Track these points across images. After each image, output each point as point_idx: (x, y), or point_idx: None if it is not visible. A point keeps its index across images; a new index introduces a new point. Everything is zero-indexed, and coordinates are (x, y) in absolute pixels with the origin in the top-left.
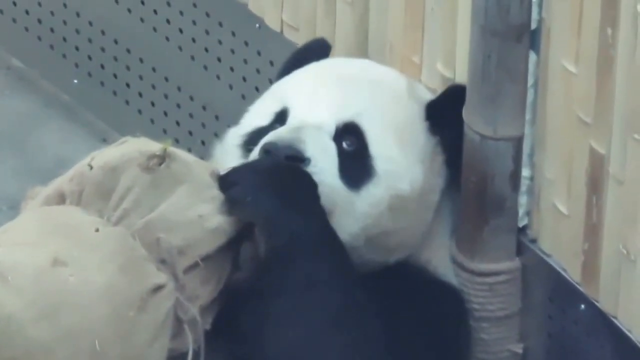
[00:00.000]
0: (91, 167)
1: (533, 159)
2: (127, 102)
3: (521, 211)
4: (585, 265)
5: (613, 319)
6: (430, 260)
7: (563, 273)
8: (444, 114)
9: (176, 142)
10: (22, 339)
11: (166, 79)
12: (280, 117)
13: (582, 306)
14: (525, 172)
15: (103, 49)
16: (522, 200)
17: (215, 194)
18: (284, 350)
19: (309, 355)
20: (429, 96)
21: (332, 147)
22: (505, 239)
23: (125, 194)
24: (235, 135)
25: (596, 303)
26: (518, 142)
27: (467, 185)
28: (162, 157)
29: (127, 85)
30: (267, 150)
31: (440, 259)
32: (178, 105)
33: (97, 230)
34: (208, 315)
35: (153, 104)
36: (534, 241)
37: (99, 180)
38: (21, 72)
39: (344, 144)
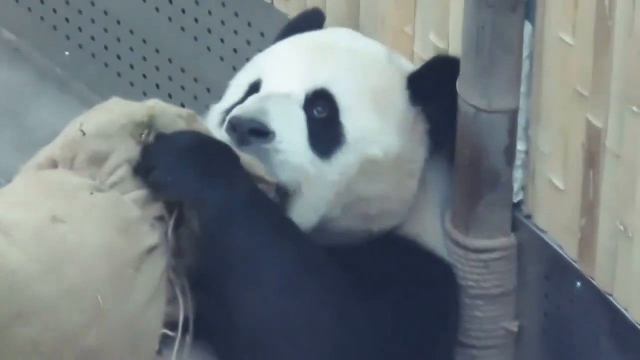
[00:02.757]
0: (84, 133)
1: (528, 132)
2: (119, 75)
3: (516, 186)
4: (582, 242)
5: (609, 297)
6: (421, 234)
7: (559, 250)
8: (427, 84)
9: None
10: (28, 294)
11: (157, 51)
12: (254, 89)
13: (578, 284)
14: (520, 146)
15: (93, 21)
16: (517, 175)
17: None
18: (252, 327)
19: (277, 326)
20: (410, 67)
21: (300, 117)
22: (500, 215)
23: (121, 163)
24: (214, 113)
25: (592, 281)
26: (513, 115)
27: (461, 160)
28: (149, 124)
29: (118, 57)
30: (232, 126)
31: (431, 233)
32: (170, 78)
33: (92, 193)
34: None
35: (145, 76)
36: (529, 217)
37: (94, 148)
38: (13, 44)
39: (315, 112)
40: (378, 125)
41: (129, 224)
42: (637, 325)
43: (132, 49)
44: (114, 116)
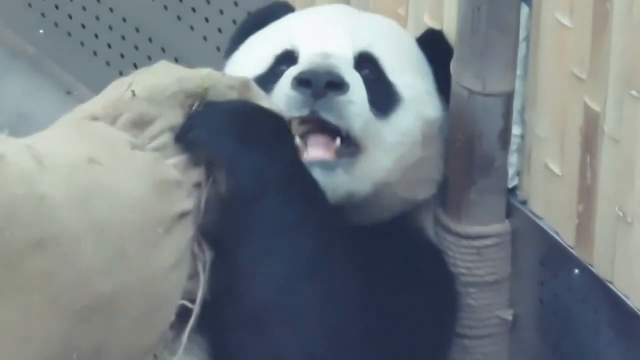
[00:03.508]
0: (134, 94)
1: (524, 116)
2: (95, 54)
3: (511, 171)
4: (579, 228)
5: (608, 284)
6: (423, 221)
7: (555, 236)
8: (431, 48)
9: None
10: (52, 222)
11: (137, 30)
12: (286, 58)
13: (576, 271)
14: (515, 130)
15: None
16: (512, 159)
17: None
18: (256, 301)
19: (281, 306)
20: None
21: (358, 76)
22: (494, 201)
23: (164, 129)
24: None
25: (590, 268)
26: (508, 98)
27: (454, 144)
28: (201, 95)
29: (96, 36)
30: (305, 80)
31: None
32: (149, 57)
33: (132, 148)
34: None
35: (122, 56)
36: (524, 203)
37: (141, 110)
38: None
39: (363, 73)
40: (423, 85)
41: (166, 184)
42: (638, 312)
43: (110, 28)
44: (167, 82)
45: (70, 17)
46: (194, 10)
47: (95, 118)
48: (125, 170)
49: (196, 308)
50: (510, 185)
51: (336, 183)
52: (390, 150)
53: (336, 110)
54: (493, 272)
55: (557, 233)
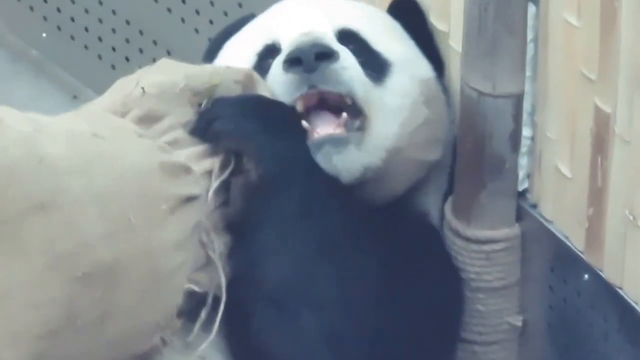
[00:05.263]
0: (144, 91)
1: (534, 117)
2: (99, 57)
3: (521, 174)
4: (589, 232)
5: (618, 290)
6: (428, 204)
7: (565, 240)
8: (402, 17)
9: None
10: (53, 184)
11: (141, 32)
12: (269, 52)
13: (586, 276)
14: (525, 132)
15: (73, 1)
16: (523, 162)
17: None
18: (279, 283)
19: (304, 287)
20: None
21: (345, 48)
22: (503, 204)
23: (174, 126)
24: None
25: (600, 273)
26: (518, 99)
27: (464, 146)
28: (209, 93)
29: (99, 39)
30: (294, 59)
31: (434, 205)
32: (154, 60)
33: (139, 136)
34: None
35: (127, 59)
36: (534, 206)
37: (151, 106)
38: None
39: (348, 48)
40: (408, 50)
41: (171, 166)
42: None
43: (114, 30)
44: (176, 78)
45: (72, 20)
46: (197, 12)
47: None
48: (129, 147)
49: (222, 300)
50: (520, 188)
51: (350, 160)
52: (394, 114)
53: (333, 79)
54: (502, 277)
55: (566, 237)
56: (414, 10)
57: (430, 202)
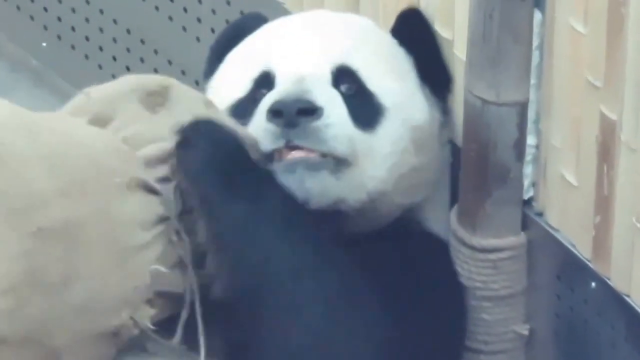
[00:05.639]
0: (89, 97)
1: (539, 125)
2: (100, 67)
3: (526, 182)
4: (596, 240)
5: (625, 298)
6: (430, 218)
7: (572, 249)
8: (408, 38)
9: None
10: None
11: (142, 42)
12: (264, 81)
13: (593, 284)
14: (530, 140)
15: (74, 10)
16: (528, 170)
17: None
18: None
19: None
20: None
21: (336, 94)
22: (509, 213)
23: (128, 123)
24: None
25: (607, 281)
26: (522, 107)
27: (468, 154)
28: (162, 94)
29: (100, 48)
30: (276, 111)
31: (438, 217)
32: (155, 70)
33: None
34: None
35: (128, 69)
36: (540, 214)
37: (98, 110)
38: None
39: (342, 89)
40: (404, 89)
41: (126, 151)
42: None
43: (115, 40)
44: (123, 84)
45: (73, 29)
46: (199, 20)
47: None
48: (80, 127)
49: (196, 301)
50: (525, 197)
51: (325, 185)
52: (383, 160)
53: (313, 136)
54: (508, 285)
55: (573, 245)
56: (421, 22)
57: (435, 218)
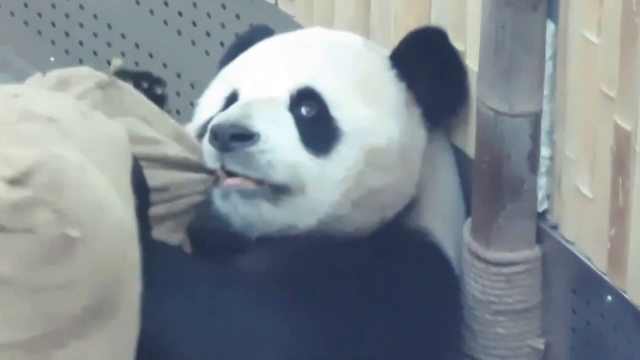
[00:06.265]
0: (44, 74)
1: (553, 137)
2: None
3: (540, 194)
4: (612, 252)
5: None
6: (431, 228)
7: (587, 262)
8: (409, 59)
9: None
10: None
11: (150, 55)
12: (231, 101)
13: (609, 298)
14: (544, 152)
15: (81, 25)
16: (542, 182)
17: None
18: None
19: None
20: (387, 51)
21: (287, 118)
22: (523, 225)
23: (90, 88)
24: (190, 132)
25: (624, 294)
26: (536, 118)
27: (481, 166)
28: (114, 82)
29: (108, 62)
30: (214, 134)
31: (437, 224)
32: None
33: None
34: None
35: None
36: (555, 227)
37: (52, 86)
38: None
39: (303, 111)
40: (373, 113)
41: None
42: None
43: (123, 54)
44: (79, 69)
45: (81, 44)
46: (208, 34)
47: None
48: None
49: None
50: (540, 209)
51: (260, 213)
52: (335, 186)
53: (246, 162)
54: (523, 299)
55: (588, 258)
56: (441, 42)
57: (427, 220)
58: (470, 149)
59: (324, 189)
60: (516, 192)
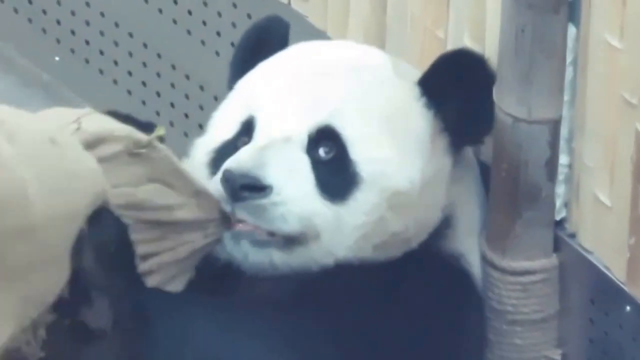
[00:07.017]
0: (79, 127)
1: (572, 144)
2: (115, 82)
3: (558, 202)
4: (631, 262)
5: None
6: (463, 252)
7: (605, 271)
8: (438, 85)
9: (170, 125)
10: None
11: (159, 56)
12: (247, 129)
13: (627, 308)
14: (562, 159)
15: (88, 23)
16: (560, 190)
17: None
18: None
19: None
20: (416, 72)
21: (303, 162)
22: (540, 234)
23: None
24: (202, 150)
25: None
26: (555, 125)
27: (498, 174)
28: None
29: (115, 62)
30: (226, 179)
31: (470, 245)
32: (172, 85)
33: None
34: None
35: (144, 84)
36: (573, 236)
37: (82, 141)
38: None
39: (321, 152)
40: (395, 153)
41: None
42: None
43: (130, 54)
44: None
45: (87, 43)
46: (218, 34)
47: None
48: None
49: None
50: (557, 218)
51: (272, 261)
52: (352, 232)
53: (257, 214)
54: (540, 309)
55: (607, 268)
56: (478, 67)
57: (460, 242)
58: (487, 156)
59: (341, 236)
60: (533, 200)
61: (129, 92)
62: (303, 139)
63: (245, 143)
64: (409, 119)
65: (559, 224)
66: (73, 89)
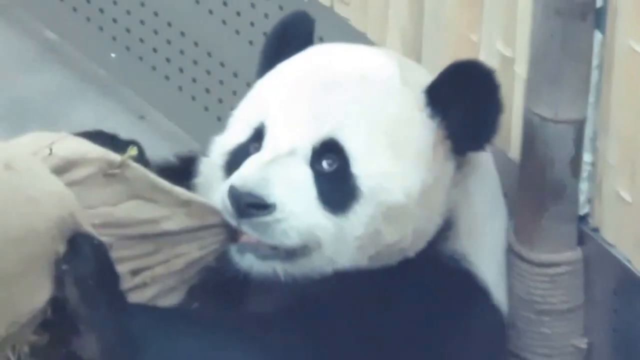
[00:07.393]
0: (51, 152)
1: (595, 143)
2: (167, 78)
3: (582, 198)
4: None
5: None
6: (463, 249)
7: (627, 264)
8: (445, 94)
9: (218, 120)
10: None
11: (209, 54)
12: (258, 135)
13: None
14: (586, 158)
15: (142, 22)
16: (584, 187)
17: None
18: None
19: None
20: (424, 78)
21: (306, 176)
22: (565, 228)
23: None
24: (218, 151)
25: None
26: (580, 125)
27: (525, 171)
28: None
29: (167, 60)
30: (232, 196)
31: (475, 247)
32: (221, 82)
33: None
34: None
35: (194, 80)
36: (596, 230)
37: (53, 165)
38: (55, 44)
39: (324, 164)
40: (396, 166)
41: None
42: None
43: (182, 52)
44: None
45: (141, 40)
46: (265, 35)
47: None
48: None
49: None
50: (581, 213)
51: (275, 271)
52: (351, 243)
53: (261, 230)
54: (566, 300)
55: (629, 261)
56: (486, 78)
57: (463, 244)
58: (514, 153)
59: (341, 246)
60: (559, 196)
61: (180, 89)
62: (307, 152)
63: (257, 149)
64: (412, 130)
65: (583, 219)
66: (127, 84)
